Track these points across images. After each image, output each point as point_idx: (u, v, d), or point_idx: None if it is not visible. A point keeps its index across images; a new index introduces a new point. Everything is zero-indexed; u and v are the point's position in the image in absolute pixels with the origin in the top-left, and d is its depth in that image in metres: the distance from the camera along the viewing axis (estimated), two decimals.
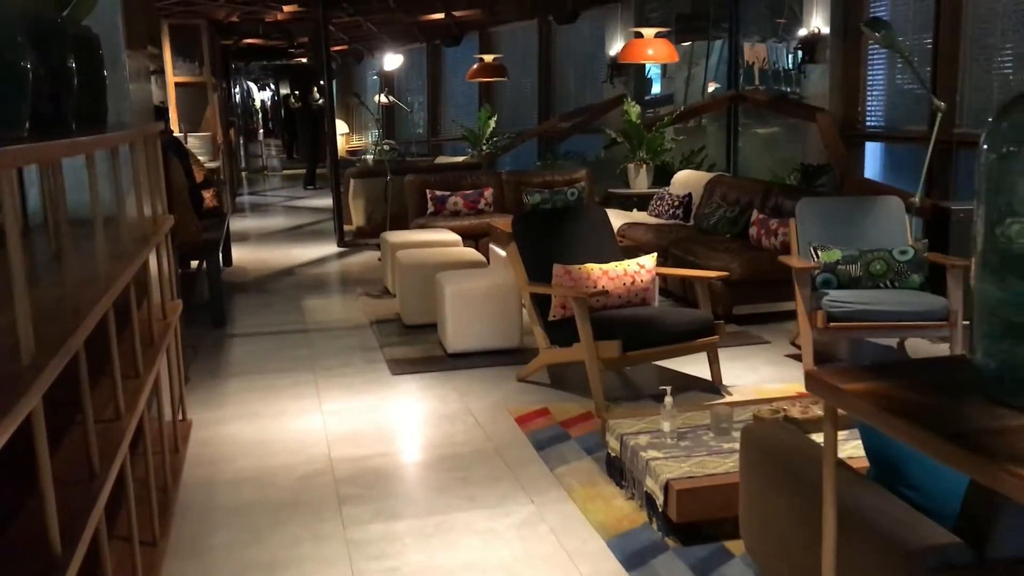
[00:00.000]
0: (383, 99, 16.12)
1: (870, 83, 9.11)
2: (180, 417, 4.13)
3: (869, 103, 9.17)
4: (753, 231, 6.56)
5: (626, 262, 4.81)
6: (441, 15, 13.16)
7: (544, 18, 13.90)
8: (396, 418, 4.54)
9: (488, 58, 12.30)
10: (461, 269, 5.95)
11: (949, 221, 5.85)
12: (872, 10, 8.94)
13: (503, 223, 7.73)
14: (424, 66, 17.64)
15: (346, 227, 10.34)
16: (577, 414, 4.37)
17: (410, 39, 16.55)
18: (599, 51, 12.95)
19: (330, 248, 9.84)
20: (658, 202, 8.14)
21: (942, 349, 5.27)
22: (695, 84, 12.48)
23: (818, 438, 3.36)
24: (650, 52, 8.61)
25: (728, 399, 4.51)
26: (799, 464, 2.08)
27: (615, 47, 12.23)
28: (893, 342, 5.37)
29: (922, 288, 4.98)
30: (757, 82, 11.41)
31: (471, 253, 6.50)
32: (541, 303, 4.71)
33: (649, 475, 3.20)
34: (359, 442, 4.17)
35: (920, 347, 5.34)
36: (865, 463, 3.11)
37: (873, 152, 9.45)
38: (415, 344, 5.75)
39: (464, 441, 4.12)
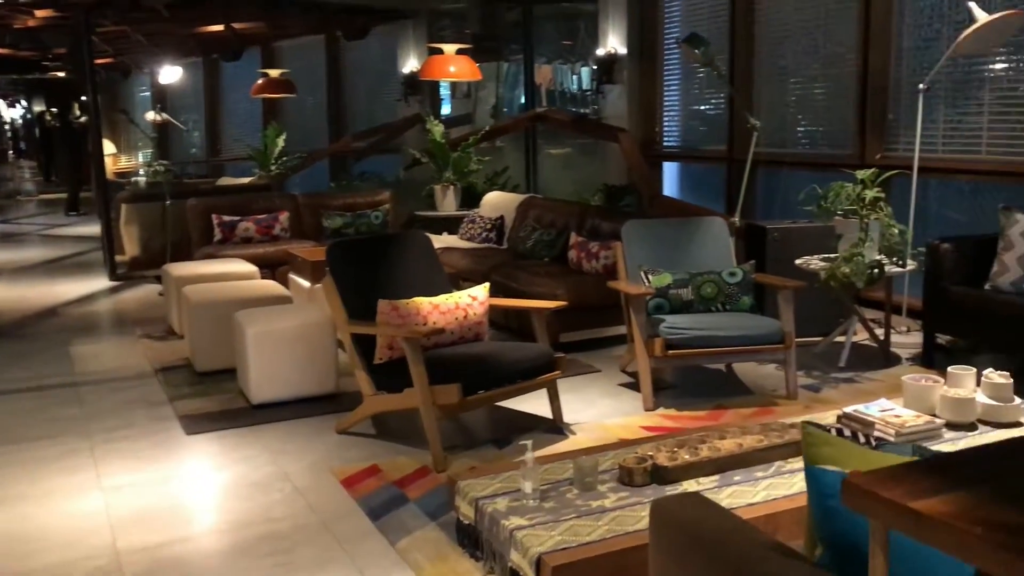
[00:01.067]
0: (156, 116, 14.85)
1: (666, 104, 9.25)
2: None
3: (666, 123, 9.30)
4: (572, 254, 6.32)
5: (457, 294, 4.37)
6: (220, 27, 12.22)
7: (332, 33, 13.28)
8: (196, 490, 3.83)
9: (274, 73, 11.53)
10: (262, 306, 5.27)
11: (765, 240, 5.86)
12: (666, 32, 9.07)
13: (304, 250, 7.08)
14: (201, 81, 16.46)
15: (118, 258, 9.24)
16: (412, 470, 3.87)
17: (185, 52, 15.34)
18: (391, 68, 12.51)
19: (101, 282, 8.72)
20: (469, 225, 7.77)
21: (770, 371, 5.21)
22: (483, 106, 12.33)
23: (689, 486, 3.07)
24: (452, 69, 8.26)
25: (574, 439, 4.17)
26: (737, 553, 1.71)
27: (409, 64, 11.83)
28: (721, 365, 5.25)
29: (752, 310, 4.88)
30: (545, 103, 11.40)
31: (272, 286, 5.82)
32: (364, 344, 4.17)
33: (515, 548, 2.76)
34: (152, 525, 3.45)
35: (748, 369, 5.25)
36: (752, 514, 2.84)
37: (669, 172, 9.60)
38: (212, 395, 5.02)
39: (283, 515, 3.51)
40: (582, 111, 10.85)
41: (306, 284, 6.61)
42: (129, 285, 8.58)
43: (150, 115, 15.43)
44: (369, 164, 12.48)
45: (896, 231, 5.09)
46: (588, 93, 10.92)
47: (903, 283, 5.95)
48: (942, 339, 5.32)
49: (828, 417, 3.70)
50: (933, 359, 5.18)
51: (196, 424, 4.55)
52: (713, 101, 8.61)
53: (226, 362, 5.27)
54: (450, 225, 8.46)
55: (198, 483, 3.88)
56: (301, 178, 13.59)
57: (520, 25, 11.27)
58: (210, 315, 5.35)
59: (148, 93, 17.64)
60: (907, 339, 5.74)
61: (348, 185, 11.39)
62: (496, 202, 7.90)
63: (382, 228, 8.33)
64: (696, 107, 8.88)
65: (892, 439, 3.36)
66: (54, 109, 20.04)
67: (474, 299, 4.37)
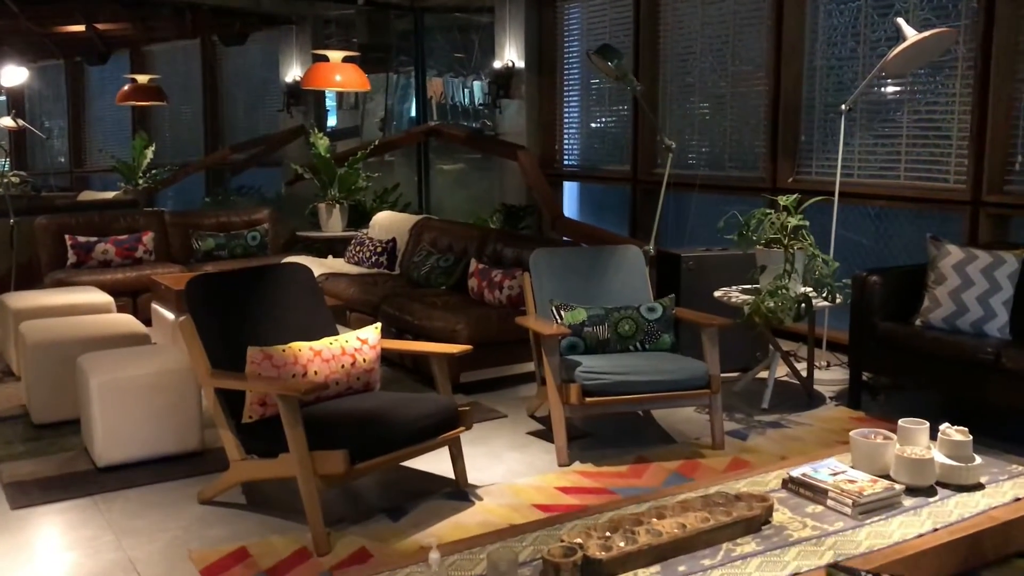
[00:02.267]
0: (10, 122, 13.58)
1: (566, 120, 8.84)
2: None
3: (566, 141, 8.88)
4: (473, 283, 5.77)
5: (343, 337, 3.75)
6: (81, 27, 11.19)
7: (208, 38, 12.39)
8: None
9: (142, 79, 10.59)
10: (113, 347, 4.51)
11: (679, 269, 5.45)
12: (566, 45, 8.67)
13: (169, 277, 6.31)
14: (63, 86, 15.19)
15: None
16: (288, 553, 3.22)
17: (44, 54, 14.12)
18: (273, 77, 11.73)
19: None
20: (357, 248, 7.13)
21: (690, 414, 4.78)
22: (371, 118, 11.73)
23: None
24: (338, 78, 7.61)
25: (482, 506, 3.61)
26: None
27: (291, 73, 11.09)
28: (638, 408, 4.78)
29: (673, 349, 4.44)
30: (436, 117, 10.90)
31: (126, 322, 5.04)
32: (231, 399, 3.51)
33: None
34: None
35: (666, 412, 4.79)
36: None
37: (569, 192, 9.19)
38: (49, 454, 4.22)
39: None
40: (474, 126, 10.36)
41: (171, 316, 5.85)
42: None
43: (5, 121, 14.13)
44: (248, 178, 11.66)
45: (821, 261, 4.74)
46: (481, 108, 10.48)
47: (822, 315, 5.64)
48: (864, 375, 5.00)
49: (771, 481, 3.26)
50: (860, 399, 4.85)
51: (25, 494, 3.77)
52: (613, 119, 8.24)
53: (70, 412, 4.48)
54: (335, 247, 7.81)
55: None
56: (175, 191, 12.63)
57: (411, 35, 10.71)
58: (51, 357, 4.55)
59: (3, 97, 16.18)
60: (828, 375, 5.41)
61: (224, 201, 10.56)
62: (387, 223, 7.28)
63: (260, 250, 7.61)
64: (597, 124, 8.49)
65: (849, 511, 2.94)
66: None
67: (363, 343, 3.77)
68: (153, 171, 10.69)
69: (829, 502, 3.01)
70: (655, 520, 2.77)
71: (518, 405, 4.93)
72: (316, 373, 3.56)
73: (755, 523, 2.83)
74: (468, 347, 3.85)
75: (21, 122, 13.69)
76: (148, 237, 7.26)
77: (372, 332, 3.84)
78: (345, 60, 7.70)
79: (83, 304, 5.56)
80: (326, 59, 7.72)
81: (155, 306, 6.22)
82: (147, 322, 6.52)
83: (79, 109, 15.11)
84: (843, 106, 5.36)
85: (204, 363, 3.51)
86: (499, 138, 8.91)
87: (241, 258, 7.43)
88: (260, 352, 3.47)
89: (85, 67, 14.66)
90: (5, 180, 12.37)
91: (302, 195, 9.77)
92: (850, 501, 2.95)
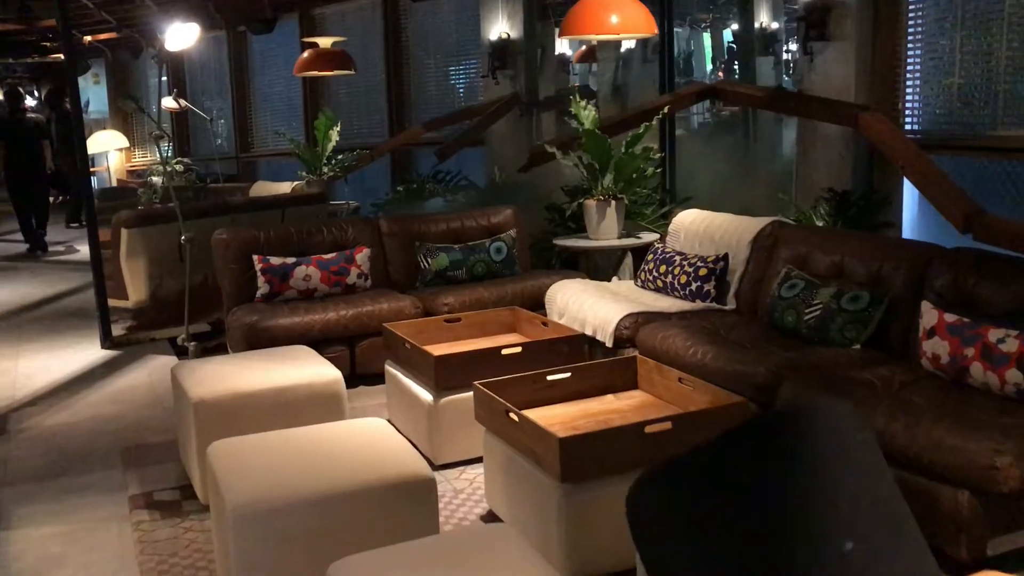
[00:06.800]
0: (173, 103, 12.05)
1: (909, 69, 6.25)
2: None
3: (909, 97, 6.30)
4: (935, 348, 3.33)
5: None
6: None
7: None
8: None
9: (325, 42, 8.60)
10: (385, 528, 2.37)
11: None
12: None
13: (407, 326, 4.21)
14: (225, 61, 13.58)
15: (120, 303, 6.45)
16: None
17: (205, 24, 12.47)
18: (471, 35, 9.60)
19: (90, 352, 5.88)
20: (660, 267, 4.82)
21: None
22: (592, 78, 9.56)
23: None
24: (614, 20, 5.28)
25: None
26: None
27: (497, 28, 8.88)
28: None
29: None
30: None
31: (387, 447, 2.84)
32: None
33: None
34: None
35: None
36: None
37: None
38: None
39: None
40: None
41: (426, 396, 3.71)
42: (131, 357, 5.73)
43: (166, 102, 12.61)
44: (447, 162, 9.60)
45: None
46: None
47: None
48: None
49: None
50: None
51: None
52: (1013, 59, 5.57)
53: None
54: (603, 263, 5.55)
55: None
56: (353, 180, 10.73)
57: None
58: (267, 541, 2.45)
59: (164, 77, 14.75)
60: None
61: (420, 191, 8.55)
62: (702, 227, 4.93)
63: (506, 267, 5.45)
64: (977, 67, 5.83)
65: None
66: (49, 96, 17.31)
67: None
68: (339, 156, 8.75)
69: None
70: None
71: None
72: None
73: None
74: None
75: (184, 102, 12.17)
76: (362, 255, 5.20)
77: None
78: None
79: (299, 388, 3.45)
80: None
81: (391, 369, 4.12)
82: (369, 377, 4.52)
83: (244, 86, 13.46)
84: None
85: None
86: (808, 95, 6.37)
87: (485, 280, 5.29)
88: None
89: (249, 37, 12.96)
90: (167, 168, 10.76)
91: (526, 184, 7.58)
92: None
